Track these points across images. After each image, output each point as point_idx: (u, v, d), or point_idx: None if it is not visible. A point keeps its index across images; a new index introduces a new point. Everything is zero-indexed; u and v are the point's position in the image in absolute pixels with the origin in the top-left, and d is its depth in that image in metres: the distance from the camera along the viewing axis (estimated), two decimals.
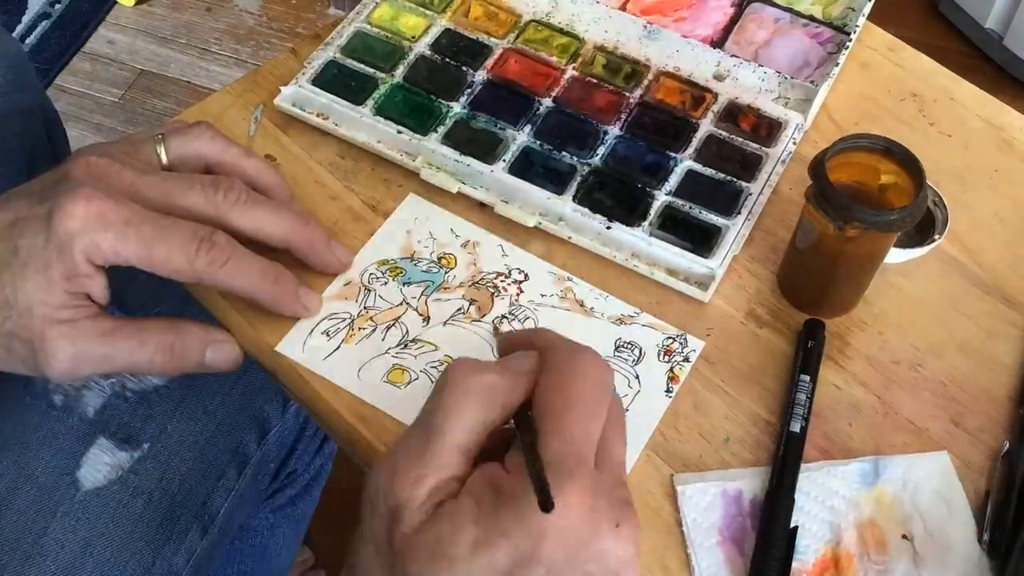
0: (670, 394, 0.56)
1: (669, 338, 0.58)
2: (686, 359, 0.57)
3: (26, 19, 1.77)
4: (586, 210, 0.61)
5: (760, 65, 0.68)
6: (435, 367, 0.56)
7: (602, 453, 0.43)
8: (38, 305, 0.50)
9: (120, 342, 0.52)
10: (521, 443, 0.42)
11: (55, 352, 0.50)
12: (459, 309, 0.58)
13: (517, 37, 0.69)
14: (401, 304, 0.58)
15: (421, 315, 0.58)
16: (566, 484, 0.40)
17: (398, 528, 0.41)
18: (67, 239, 0.49)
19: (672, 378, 0.56)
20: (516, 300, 0.59)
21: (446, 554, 0.40)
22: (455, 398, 0.43)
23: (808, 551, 0.52)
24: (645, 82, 0.67)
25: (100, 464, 0.64)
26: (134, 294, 0.63)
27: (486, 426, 0.43)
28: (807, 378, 0.55)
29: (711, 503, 0.53)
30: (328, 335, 0.57)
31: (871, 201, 0.55)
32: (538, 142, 0.64)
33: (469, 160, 0.62)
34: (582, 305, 0.59)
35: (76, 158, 0.53)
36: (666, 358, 0.57)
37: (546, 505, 0.39)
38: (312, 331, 0.57)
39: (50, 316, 0.50)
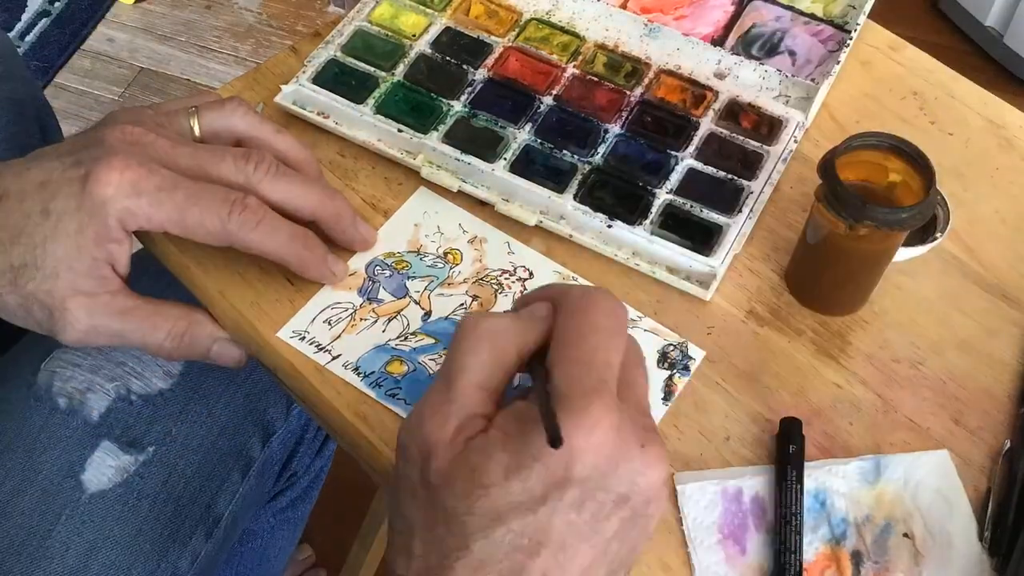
0: (667, 402, 0.56)
1: (670, 345, 0.57)
2: (686, 368, 0.57)
3: (26, 17, 1.77)
4: (587, 209, 0.60)
5: (761, 63, 0.68)
6: (433, 360, 0.56)
7: (623, 386, 0.43)
8: (65, 271, 0.51)
9: (135, 323, 0.54)
10: (533, 381, 0.43)
11: (72, 323, 0.52)
12: (461, 304, 0.58)
13: (518, 35, 0.69)
14: (404, 297, 0.58)
15: (423, 309, 0.58)
16: (591, 402, 0.40)
17: (431, 465, 0.41)
18: (101, 204, 0.50)
19: (670, 387, 0.56)
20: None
21: (480, 482, 0.40)
22: (469, 343, 0.43)
23: (808, 549, 0.52)
24: (646, 80, 0.67)
25: (105, 467, 0.64)
26: None
27: (502, 367, 0.43)
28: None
29: (711, 501, 0.53)
30: (330, 324, 0.57)
31: (878, 199, 0.55)
32: (539, 140, 0.64)
33: (470, 158, 0.62)
34: None
35: (111, 124, 0.53)
36: (666, 366, 0.57)
37: (554, 441, 0.39)
38: (314, 319, 0.57)
39: (74, 285, 0.51)
